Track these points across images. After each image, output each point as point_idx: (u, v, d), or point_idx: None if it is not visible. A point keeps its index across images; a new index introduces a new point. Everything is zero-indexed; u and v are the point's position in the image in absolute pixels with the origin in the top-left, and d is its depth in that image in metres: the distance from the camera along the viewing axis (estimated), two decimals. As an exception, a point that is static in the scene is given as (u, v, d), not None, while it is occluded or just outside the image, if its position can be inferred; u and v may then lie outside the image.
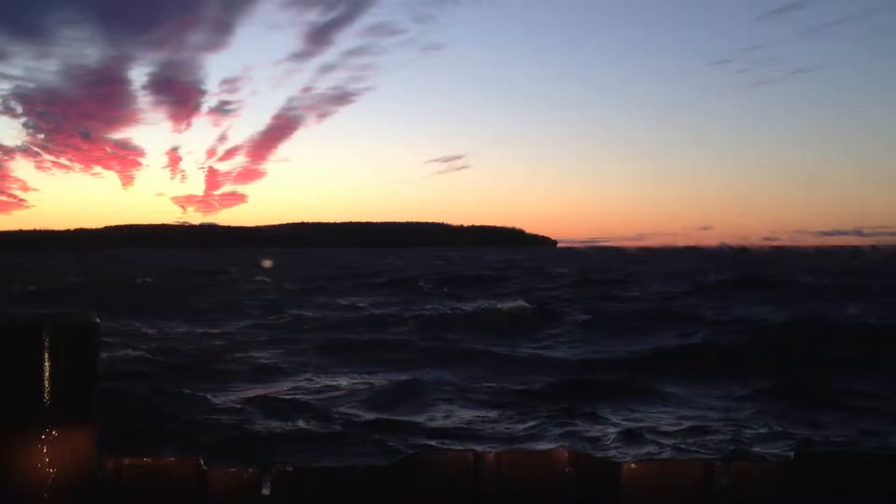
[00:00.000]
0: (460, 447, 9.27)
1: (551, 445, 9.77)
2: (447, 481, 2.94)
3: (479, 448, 4.42)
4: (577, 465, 2.94)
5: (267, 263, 54.01)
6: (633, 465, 2.93)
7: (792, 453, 2.91)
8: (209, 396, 13.26)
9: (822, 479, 2.89)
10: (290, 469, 2.95)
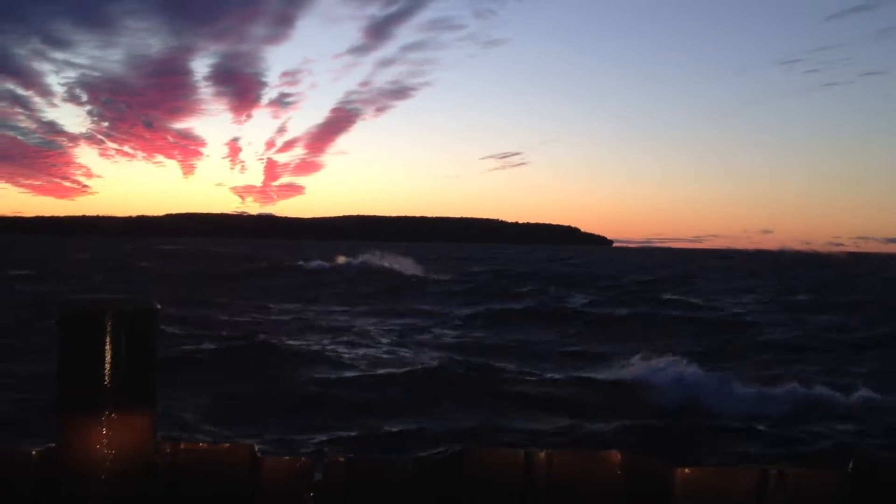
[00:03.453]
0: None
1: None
2: (497, 477, 2.93)
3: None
4: (628, 467, 2.90)
5: (341, 259, 54.28)
6: (686, 469, 2.88)
7: (850, 462, 2.84)
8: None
9: (880, 489, 2.82)
10: (342, 460, 2.97)
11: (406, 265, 51.71)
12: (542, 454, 2.94)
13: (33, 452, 2.81)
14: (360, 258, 55.45)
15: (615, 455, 2.93)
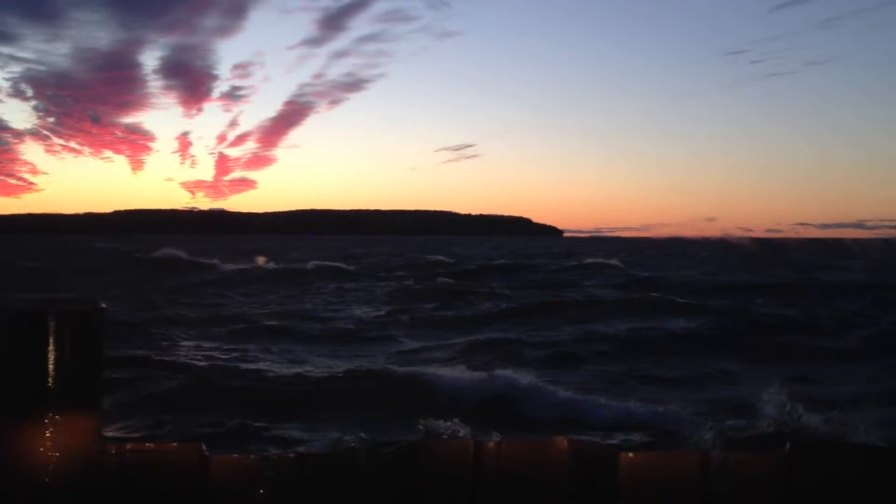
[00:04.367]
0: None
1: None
2: (448, 468, 2.97)
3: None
4: (575, 453, 2.96)
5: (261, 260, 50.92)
6: (630, 454, 2.95)
7: (787, 445, 2.93)
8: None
9: (815, 470, 2.92)
10: (292, 455, 2.98)
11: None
12: (492, 444, 2.99)
13: None
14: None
15: (562, 442, 2.98)
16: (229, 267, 43.21)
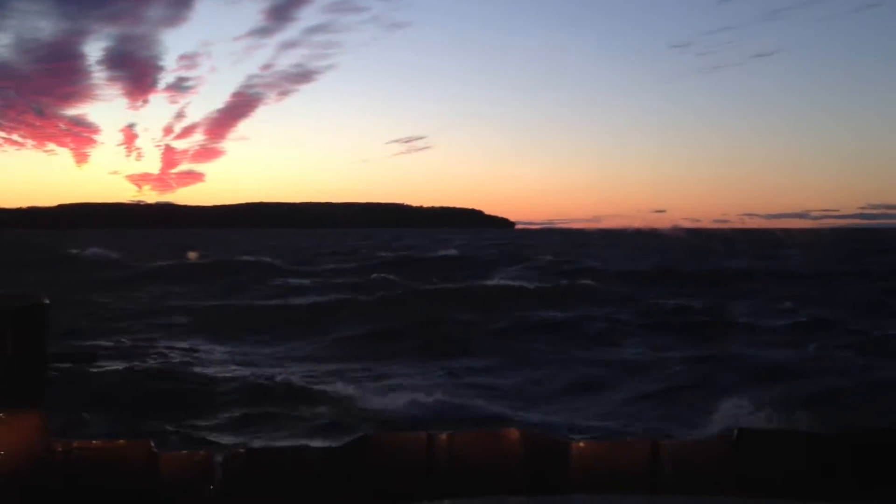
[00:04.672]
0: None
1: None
2: (400, 461, 2.96)
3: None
4: (527, 444, 2.98)
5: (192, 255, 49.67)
6: (581, 443, 2.98)
7: (735, 432, 2.99)
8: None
9: (761, 456, 2.98)
10: (242, 451, 2.96)
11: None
12: (444, 436, 3.00)
13: None
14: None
15: (514, 433, 3.01)
16: (158, 264, 42.43)
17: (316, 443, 8.25)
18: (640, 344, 17.08)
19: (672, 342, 16.94)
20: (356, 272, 39.25)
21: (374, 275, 34.20)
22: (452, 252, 56.10)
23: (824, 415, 9.76)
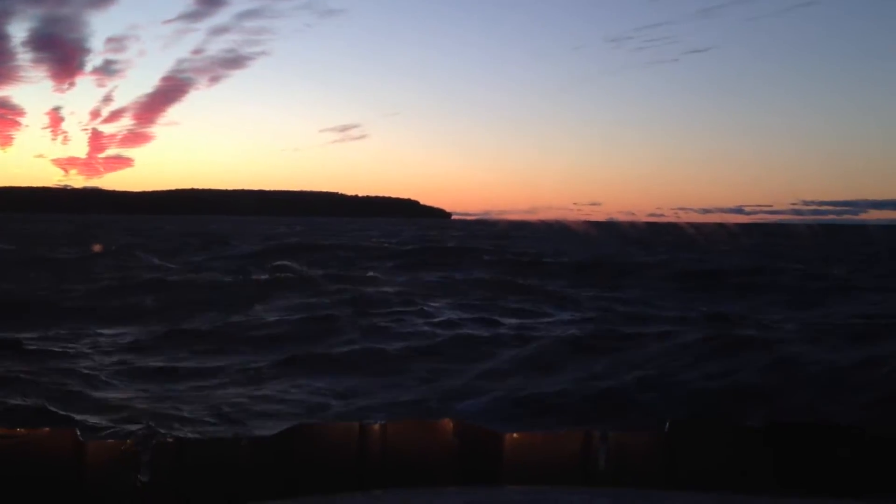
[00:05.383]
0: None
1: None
2: (332, 451, 2.95)
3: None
4: (461, 434, 2.99)
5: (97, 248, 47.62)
6: (515, 435, 3.00)
7: (667, 424, 3.05)
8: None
9: (693, 448, 3.05)
10: (171, 441, 2.90)
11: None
12: (377, 426, 2.99)
13: None
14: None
15: (448, 423, 3.01)
16: (54, 254, 41.08)
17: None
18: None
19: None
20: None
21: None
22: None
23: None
